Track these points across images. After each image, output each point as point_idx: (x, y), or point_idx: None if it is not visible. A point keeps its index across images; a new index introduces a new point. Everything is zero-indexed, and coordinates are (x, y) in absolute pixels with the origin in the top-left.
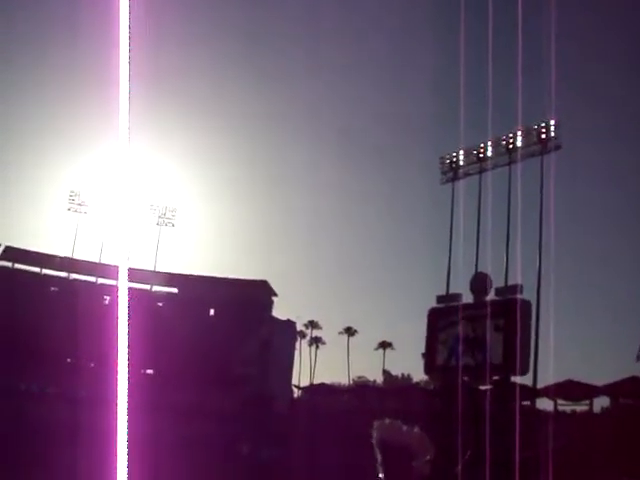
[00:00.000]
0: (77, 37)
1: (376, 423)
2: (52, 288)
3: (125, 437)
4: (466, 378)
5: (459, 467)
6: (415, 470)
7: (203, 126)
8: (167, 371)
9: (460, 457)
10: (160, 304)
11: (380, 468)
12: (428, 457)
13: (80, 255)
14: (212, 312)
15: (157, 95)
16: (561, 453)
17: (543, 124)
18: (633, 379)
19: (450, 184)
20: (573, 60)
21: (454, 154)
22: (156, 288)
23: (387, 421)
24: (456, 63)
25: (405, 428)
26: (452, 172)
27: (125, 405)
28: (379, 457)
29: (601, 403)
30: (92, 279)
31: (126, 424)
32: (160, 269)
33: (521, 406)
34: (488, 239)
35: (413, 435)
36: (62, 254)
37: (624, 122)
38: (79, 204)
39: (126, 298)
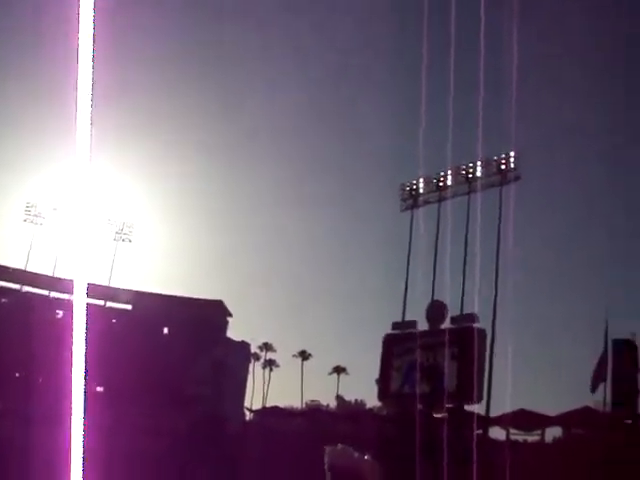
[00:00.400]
0: (37, 47)
1: (328, 448)
2: (3, 300)
3: (80, 455)
4: (420, 405)
5: None
6: None
7: (161, 141)
8: (118, 389)
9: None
10: (114, 320)
11: None
12: None
13: (34, 268)
14: (166, 330)
15: (115, 110)
16: None
17: (503, 155)
18: (585, 409)
19: (409, 211)
20: (535, 91)
21: (414, 182)
22: (110, 304)
23: (339, 446)
24: (418, 91)
25: (356, 454)
26: (412, 199)
27: (81, 422)
28: None
29: (553, 433)
30: (45, 292)
31: (81, 442)
32: (115, 285)
33: (474, 435)
34: (445, 267)
35: (364, 461)
36: (15, 266)
37: (584, 152)
38: (35, 215)
39: (83, 313)
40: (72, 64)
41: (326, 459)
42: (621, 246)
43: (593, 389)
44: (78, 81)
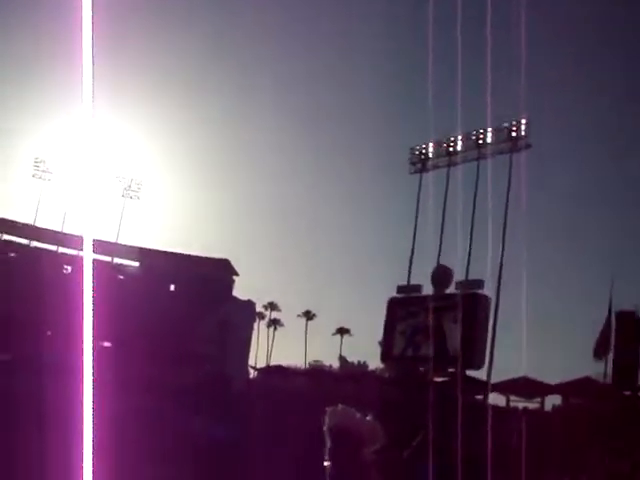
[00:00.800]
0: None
1: (329, 409)
2: (11, 254)
3: (91, 408)
4: (422, 369)
5: (408, 451)
6: (363, 457)
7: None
8: (124, 344)
9: (410, 443)
10: (121, 277)
11: (328, 454)
12: (378, 445)
13: (43, 223)
14: (172, 288)
15: (125, 64)
16: (512, 448)
17: (514, 122)
18: (586, 380)
19: (418, 175)
20: (549, 60)
21: (424, 145)
22: (117, 260)
23: (340, 407)
24: (431, 55)
25: (358, 415)
26: (421, 163)
27: (90, 377)
28: (328, 443)
29: (553, 401)
30: (53, 248)
31: (91, 396)
32: (122, 242)
33: (474, 400)
34: (452, 233)
35: (365, 423)
36: (24, 221)
37: (595, 124)
38: (44, 171)
39: (91, 269)
40: (77, 14)
41: (327, 420)
42: (631, 217)
43: (595, 356)
44: (83, 34)
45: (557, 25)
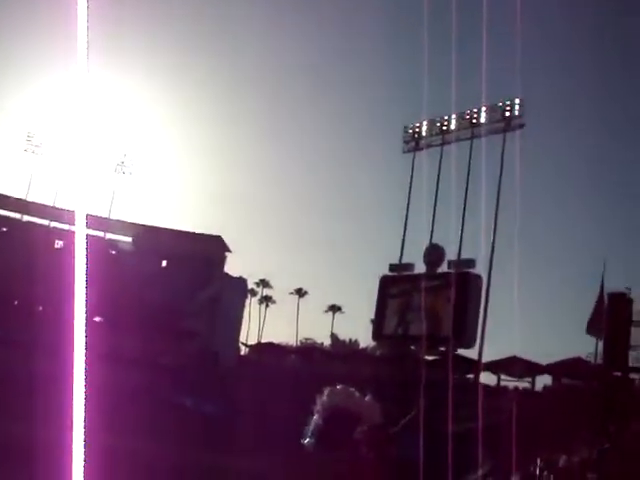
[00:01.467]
0: None
1: (328, 388)
2: (3, 229)
3: (82, 383)
4: (413, 347)
5: (397, 429)
6: (358, 437)
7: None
8: (115, 319)
9: (402, 420)
10: (113, 252)
11: (315, 433)
12: (374, 424)
13: (35, 198)
14: (164, 264)
15: (117, 35)
16: (503, 426)
17: (508, 102)
18: (577, 360)
19: (412, 154)
20: (544, 42)
21: (417, 124)
22: (110, 235)
23: (339, 387)
24: (426, 35)
25: (357, 395)
26: (414, 142)
27: (83, 352)
28: (320, 422)
29: (544, 381)
30: (45, 222)
31: (83, 371)
32: (115, 217)
33: (465, 379)
34: (445, 212)
35: (364, 402)
36: (16, 195)
37: (589, 106)
38: (36, 145)
39: (83, 244)
40: None
41: (324, 399)
42: (622, 199)
43: (588, 333)
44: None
45: (552, 8)
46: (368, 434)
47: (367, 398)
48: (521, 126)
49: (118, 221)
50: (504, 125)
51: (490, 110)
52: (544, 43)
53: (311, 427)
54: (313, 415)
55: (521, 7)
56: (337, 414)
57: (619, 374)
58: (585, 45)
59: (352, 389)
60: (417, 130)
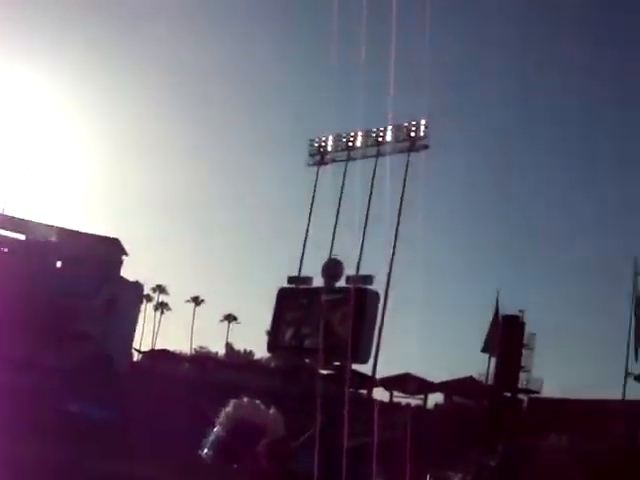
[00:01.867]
0: None
1: (234, 401)
2: None
3: None
4: (308, 360)
5: (297, 443)
6: (260, 450)
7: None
8: (4, 321)
9: (301, 435)
10: (5, 249)
11: (216, 444)
12: (275, 437)
13: None
14: (59, 264)
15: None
16: (397, 442)
17: (414, 122)
18: (469, 379)
19: (316, 167)
20: (451, 63)
21: (323, 138)
22: (2, 232)
23: (245, 400)
24: (335, 52)
25: (262, 408)
26: (320, 156)
27: None
28: (223, 434)
29: (436, 399)
30: None
31: None
32: (9, 213)
33: (358, 394)
34: (346, 227)
35: (269, 415)
36: None
37: (494, 129)
38: None
39: None
40: None
41: (229, 410)
42: (520, 223)
43: (483, 351)
44: None
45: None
46: (271, 447)
47: (271, 411)
48: (425, 147)
49: (11, 217)
50: (409, 145)
51: (396, 129)
52: (456, 65)
53: (211, 438)
54: (214, 427)
55: (433, 27)
56: (242, 426)
57: (509, 394)
58: (495, 65)
59: (257, 401)
60: (323, 144)
